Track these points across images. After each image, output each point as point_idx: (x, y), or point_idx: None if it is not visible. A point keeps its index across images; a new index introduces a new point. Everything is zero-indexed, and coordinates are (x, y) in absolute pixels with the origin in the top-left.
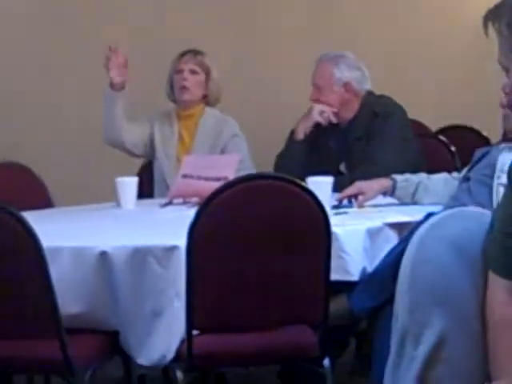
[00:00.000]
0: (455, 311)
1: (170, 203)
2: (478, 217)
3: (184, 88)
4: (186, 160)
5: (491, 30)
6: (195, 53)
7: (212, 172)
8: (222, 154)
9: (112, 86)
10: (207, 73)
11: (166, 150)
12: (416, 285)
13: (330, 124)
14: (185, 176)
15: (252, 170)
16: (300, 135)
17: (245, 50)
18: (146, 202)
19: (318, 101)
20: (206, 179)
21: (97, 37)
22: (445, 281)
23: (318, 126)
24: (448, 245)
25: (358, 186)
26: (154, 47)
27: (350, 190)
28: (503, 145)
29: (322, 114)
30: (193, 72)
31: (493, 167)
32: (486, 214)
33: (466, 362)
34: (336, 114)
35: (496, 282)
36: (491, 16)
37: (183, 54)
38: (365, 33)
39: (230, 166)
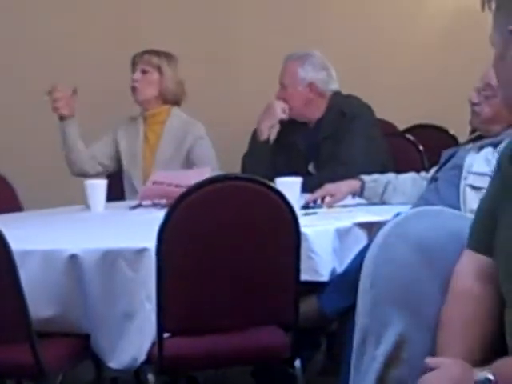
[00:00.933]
0: (416, 311)
1: (139, 205)
2: (441, 215)
3: (133, 88)
4: (157, 173)
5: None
6: (145, 52)
7: (182, 180)
8: (187, 155)
9: (61, 118)
10: (159, 70)
11: (131, 151)
12: (377, 284)
13: (298, 124)
14: (155, 183)
15: (218, 173)
16: (264, 135)
17: (214, 50)
18: (116, 204)
19: (283, 99)
20: (177, 186)
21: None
22: (405, 281)
23: (285, 125)
24: (410, 244)
25: (327, 188)
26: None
27: (318, 193)
28: (470, 145)
29: (284, 111)
30: (143, 72)
31: (460, 168)
32: (450, 213)
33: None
34: (298, 114)
35: (465, 255)
36: None
37: (135, 56)
38: (331, 32)
39: (201, 177)
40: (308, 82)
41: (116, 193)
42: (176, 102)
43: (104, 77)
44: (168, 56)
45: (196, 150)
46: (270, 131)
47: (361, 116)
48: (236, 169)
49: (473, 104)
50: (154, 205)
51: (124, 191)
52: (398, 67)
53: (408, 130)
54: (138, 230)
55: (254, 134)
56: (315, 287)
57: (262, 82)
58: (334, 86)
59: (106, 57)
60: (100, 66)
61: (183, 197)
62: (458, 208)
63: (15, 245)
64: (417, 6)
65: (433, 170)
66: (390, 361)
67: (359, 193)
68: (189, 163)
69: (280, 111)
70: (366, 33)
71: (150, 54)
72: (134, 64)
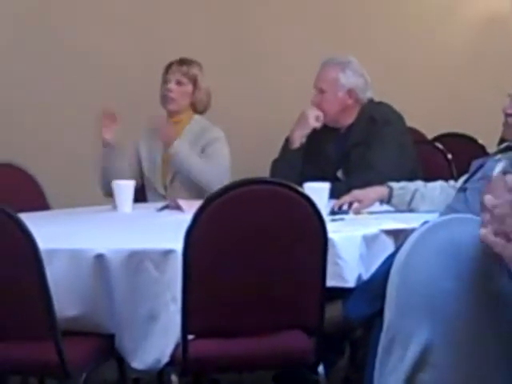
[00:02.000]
0: (441, 320)
1: (166, 207)
2: (469, 224)
3: (169, 98)
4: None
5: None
6: (182, 62)
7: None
8: (201, 150)
9: (104, 144)
10: (194, 83)
11: (151, 156)
12: (404, 292)
13: (329, 129)
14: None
15: (226, 177)
16: (296, 143)
17: (240, 56)
18: (142, 205)
19: (319, 105)
20: None
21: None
22: (431, 289)
23: (316, 131)
24: (437, 253)
25: (355, 194)
26: (148, 57)
27: (346, 198)
28: (499, 156)
29: (318, 118)
30: (179, 83)
31: (489, 178)
32: (478, 222)
33: (452, 370)
34: (333, 120)
35: None
36: None
37: (170, 65)
38: (363, 38)
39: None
40: (348, 89)
41: (137, 195)
42: (202, 112)
43: (129, 86)
44: (200, 66)
45: (210, 149)
46: (302, 140)
47: (391, 123)
48: (264, 175)
49: (507, 115)
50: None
51: (146, 195)
52: (429, 75)
53: (437, 139)
54: (165, 231)
55: (287, 141)
56: (341, 293)
57: (289, 87)
58: (370, 94)
59: (130, 65)
60: (124, 75)
61: (211, 199)
62: None
63: (42, 243)
64: (448, 14)
65: (461, 180)
66: (418, 363)
67: (387, 200)
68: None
69: (313, 120)
70: (396, 41)
71: (188, 66)
72: (167, 72)
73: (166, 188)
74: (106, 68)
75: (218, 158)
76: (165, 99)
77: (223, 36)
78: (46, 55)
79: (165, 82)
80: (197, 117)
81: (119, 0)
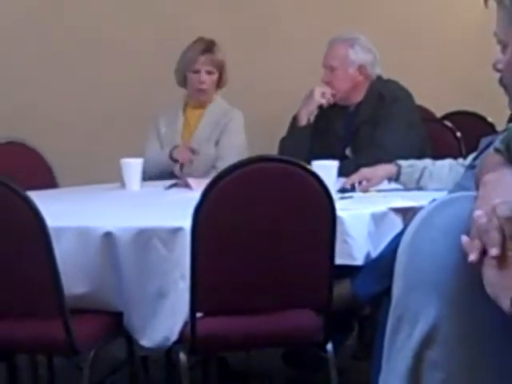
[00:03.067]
0: (448, 297)
1: (174, 185)
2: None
3: (201, 90)
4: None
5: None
6: (207, 50)
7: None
8: (219, 135)
9: (173, 160)
10: (221, 69)
11: (170, 134)
12: (411, 270)
13: (337, 107)
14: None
15: (242, 153)
16: (303, 121)
17: (253, 39)
18: (151, 183)
19: (330, 83)
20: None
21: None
22: (438, 267)
23: (324, 109)
24: (444, 230)
25: (363, 172)
26: (164, 36)
27: (355, 177)
28: None
29: (323, 95)
30: (209, 72)
31: None
32: None
33: (460, 347)
34: (344, 97)
35: None
36: None
37: (201, 52)
38: (373, 13)
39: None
40: (358, 65)
41: None
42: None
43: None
44: (218, 45)
45: (227, 129)
46: (309, 117)
47: (400, 101)
48: (273, 152)
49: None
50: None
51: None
52: (437, 53)
53: (446, 117)
54: (173, 209)
55: (294, 119)
56: (349, 271)
57: (299, 62)
58: (378, 70)
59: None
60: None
61: (220, 177)
62: None
63: (51, 221)
64: None
65: (470, 158)
66: (426, 340)
67: (395, 178)
68: (216, 145)
69: (319, 96)
70: (404, 18)
71: (213, 53)
72: (195, 61)
73: (181, 168)
74: (116, 47)
75: (228, 150)
76: (197, 91)
77: (234, 12)
78: (57, 37)
79: (194, 71)
80: (217, 97)
81: None
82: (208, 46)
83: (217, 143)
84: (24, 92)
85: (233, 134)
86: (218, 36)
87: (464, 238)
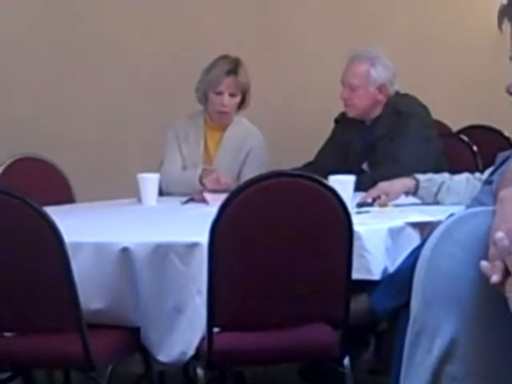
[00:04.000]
0: (468, 312)
1: (191, 200)
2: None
3: (223, 113)
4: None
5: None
6: (232, 72)
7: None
8: (241, 165)
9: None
10: (245, 92)
11: (191, 157)
12: (429, 285)
13: (354, 122)
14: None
15: None
16: None
17: (266, 44)
18: (167, 198)
19: (349, 100)
20: None
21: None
22: (457, 281)
23: (342, 123)
24: (462, 245)
25: (381, 186)
26: (179, 46)
27: (373, 192)
28: None
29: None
30: (232, 95)
31: None
32: None
33: (480, 362)
34: (362, 113)
35: None
36: (507, 11)
37: (226, 74)
38: (385, 31)
39: None
40: (379, 84)
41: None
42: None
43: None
44: (243, 65)
45: (248, 160)
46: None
47: (417, 116)
48: (289, 166)
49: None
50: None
51: None
52: (452, 67)
53: (462, 131)
54: (190, 224)
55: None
56: (366, 286)
57: (316, 75)
58: (397, 86)
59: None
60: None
61: (237, 192)
62: None
63: (68, 236)
64: (477, 5)
65: (487, 172)
66: (445, 356)
67: (413, 191)
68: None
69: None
70: (420, 33)
71: (237, 75)
72: (222, 84)
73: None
74: (132, 60)
75: (258, 167)
76: (218, 113)
77: (249, 24)
78: (71, 50)
79: (217, 92)
80: (237, 117)
81: None
82: (233, 67)
83: (238, 176)
84: (39, 107)
85: (255, 165)
86: (238, 51)
87: (484, 264)
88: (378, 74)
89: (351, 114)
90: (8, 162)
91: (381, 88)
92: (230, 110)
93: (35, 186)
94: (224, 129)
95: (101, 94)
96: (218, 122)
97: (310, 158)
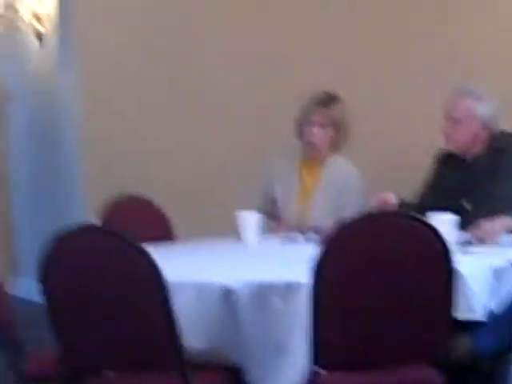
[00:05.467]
0: None
1: (294, 239)
2: None
3: (311, 143)
4: None
5: None
6: (325, 103)
7: None
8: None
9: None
10: (337, 126)
11: (286, 192)
12: None
13: (454, 158)
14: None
15: None
16: None
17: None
18: (268, 236)
19: (451, 134)
20: None
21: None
22: None
23: (443, 160)
24: None
25: (484, 226)
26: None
27: (478, 232)
28: None
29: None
30: (322, 126)
31: None
32: None
33: None
34: (462, 149)
35: None
36: None
37: (316, 105)
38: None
39: None
40: (483, 121)
41: None
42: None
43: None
44: (342, 103)
45: (347, 200)
46: None
47: None
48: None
49: None
50: (307, 239)
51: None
52: None
53: None
54: (291, 263)
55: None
56: (469, 325)
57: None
58: (498, 123)
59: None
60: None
61: (339, 232)
62: None
63: (170, 276)
64: None
65: None
66: None
67: None
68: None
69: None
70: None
71: (330, 108)
72: (313, 114)
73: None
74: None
75: (359, 206)
76: (307, 143)
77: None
78: (170, 91)
79: (307, 122)
80: (332, 158)
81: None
82: (325, 99)
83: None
84: (138, 147)
85: (355, 205)
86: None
87: None
88: (483, 110)
89: (451, 147)
90: (114, 202)
91: (484, 125)
92: (319, 142)
93: (137, 226)
94: (319, 164)
95: (199, 134)
96: (310, 154)
97: (406, 193)
